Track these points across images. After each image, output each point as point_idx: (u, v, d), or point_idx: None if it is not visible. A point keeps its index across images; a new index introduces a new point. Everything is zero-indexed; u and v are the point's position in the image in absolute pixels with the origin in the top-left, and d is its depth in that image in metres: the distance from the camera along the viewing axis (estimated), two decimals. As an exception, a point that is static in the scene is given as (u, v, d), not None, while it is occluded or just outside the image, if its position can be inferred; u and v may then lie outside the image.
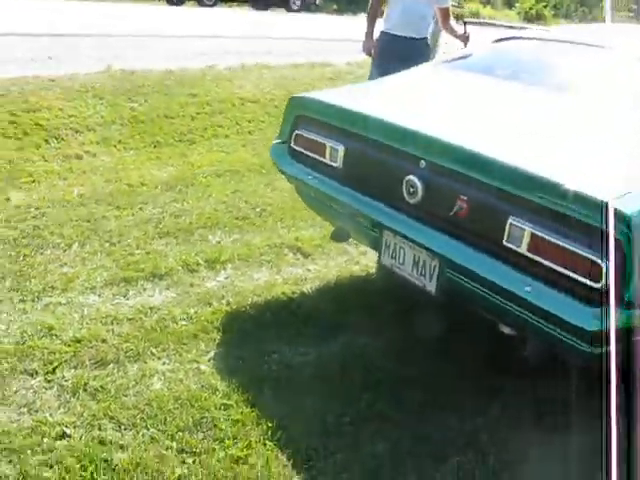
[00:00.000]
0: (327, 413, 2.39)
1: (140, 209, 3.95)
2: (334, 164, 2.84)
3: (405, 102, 2.89)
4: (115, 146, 4.96)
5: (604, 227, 1.94)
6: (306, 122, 3.00)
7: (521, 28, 4.85)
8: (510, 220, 2.16)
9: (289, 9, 17.55)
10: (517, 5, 23.63)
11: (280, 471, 2.14)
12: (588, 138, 2.41)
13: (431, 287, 2.53)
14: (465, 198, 2.33)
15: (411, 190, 2.49)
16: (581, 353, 2.10)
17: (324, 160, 2.88)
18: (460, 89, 2.96)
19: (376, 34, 4.78)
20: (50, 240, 3.45)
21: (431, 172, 2.44)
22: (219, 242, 3.63)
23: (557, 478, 2.21)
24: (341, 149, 2.80)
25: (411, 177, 2.48)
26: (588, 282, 1.98)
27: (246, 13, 15.93)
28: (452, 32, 4.88)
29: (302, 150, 3.01)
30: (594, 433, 2.41)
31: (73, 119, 5.08)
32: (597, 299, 1.98)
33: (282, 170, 3.14)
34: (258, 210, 4.06)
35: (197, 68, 6.65)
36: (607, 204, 1.93)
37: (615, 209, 1.91)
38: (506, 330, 2.44)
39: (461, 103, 2.80)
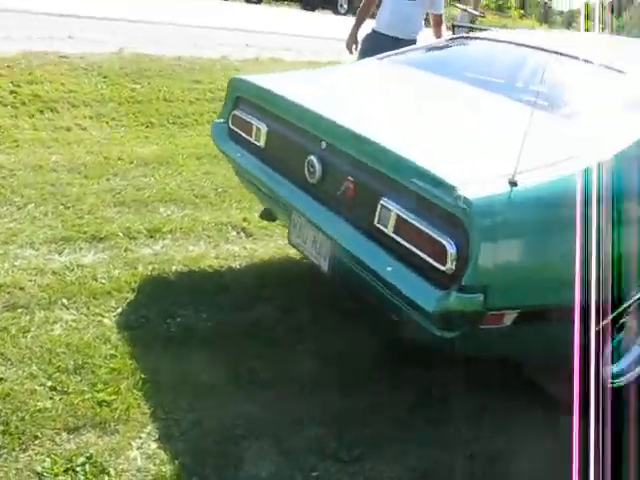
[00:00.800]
0: (203, 374, 2.50)
1: (107, 180, 4.13)
2: (258, 143, 2.96)
3: (326, 89, 2.99)
4: (107, 122, 5.17)
5: (451, 211, 2.01)
6: (242, 103, 3.13)
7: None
8: (381, 201, 2.24)
9: (336, 12, 17.68)
10: (574, 25, 23.24)
11: (138, 417, 2.26)
12: (468, 129, 2.47)
13: (325, 266, 2.62)
14: (351, 179, 2.42)
15: (311, 170, 2.59)
16: (435, 337, 2.17)
17: (251, 140, 3.00)
18: (385, 80, 3.06)
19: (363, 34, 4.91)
20: (9, 198, 3.65)
21: (328, 153, 2.53)
22: (169, 215, 3.77)
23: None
24: (264, 129, 2.92)
25: (312, 157, 2.58)
26: (436, 264, 2.05)
27: (290, 12, 16.16)
28: (440, 37, 4.96)
29: (237, 130, 3.13)
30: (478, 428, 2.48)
31: (72, 94, 5.32)
32: (443, 281, 2.05)
33: (220, 148, 3.26)
34: (220, 190, 4.20)
35: (210, 57, 6.84)
36: (453, 188, 2.00)
37: (459, 193, 1.98)
38: (394, 316, 2.51)
39: (378, 92, 2.90)
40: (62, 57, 5.82)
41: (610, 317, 2.36)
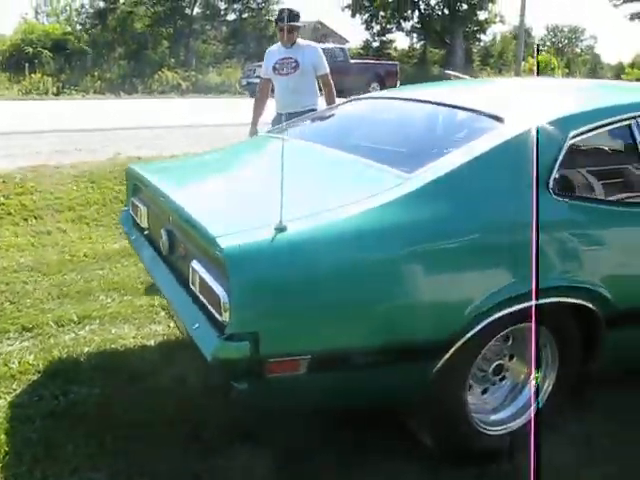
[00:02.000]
0: (69, 445, 2.62)
1: (63, 275, 4.44)
2: (142, 225, 3.19)
3: (189, 169, 3.25)
4: (88, 224, 5.57)
5: (218, 261, 2.12)
6: (137, 190, 3.39)
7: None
8: (191, 264, 2.39)
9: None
10: (622, 77, 22.93)
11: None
12: (272, 186, 2.57)
13: (185, 334, 2.75)
14: (182, 246, 2.59)
15: (162, 242, 2.78)
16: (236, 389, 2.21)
17: (139, 222, 3.24)
18: (244, 153, 3.27)
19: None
20: (-40, 298, 4.01)
21: (171, 226, 2.73)
22: (107, 302, 4.01)
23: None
24: (144, 210, 3.15)
25: (162, 231, 2.78)
26: (217, 315, 2.16)
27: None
28: (333, 102, 4.84)
29: (134, 215, 3.39)
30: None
31: (58, 200, 5.78)
32: (223, 332, 2.13)
33: (126, 233, 3.50)
34: (166, 276, 4.42)
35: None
36: (214, 239, 2.11)
37: (218, 243, 2.08)
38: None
39: (228, 166, 3.12)
40: (56, 168, 6.34)
41: (445, 359, 2.35)
